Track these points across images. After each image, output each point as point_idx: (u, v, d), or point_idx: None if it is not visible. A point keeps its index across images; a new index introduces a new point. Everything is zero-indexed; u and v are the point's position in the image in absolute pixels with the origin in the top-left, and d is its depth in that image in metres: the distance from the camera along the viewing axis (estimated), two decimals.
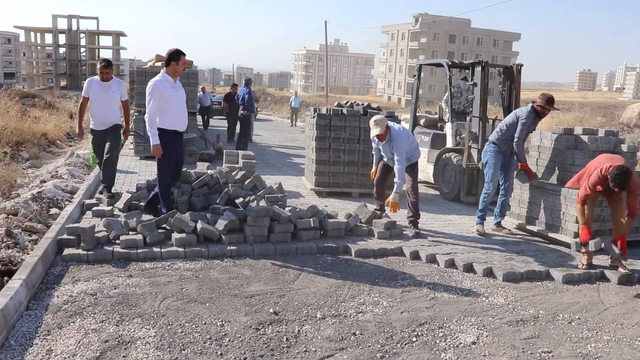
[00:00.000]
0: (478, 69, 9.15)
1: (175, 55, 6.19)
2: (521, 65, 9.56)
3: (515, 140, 6.92)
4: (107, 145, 7.58)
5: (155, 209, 6.53)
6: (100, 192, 7.74)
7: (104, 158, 7.56)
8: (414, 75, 11.36)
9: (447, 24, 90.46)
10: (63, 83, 79.82)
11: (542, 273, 5.58)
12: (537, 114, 6.95)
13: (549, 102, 6.92)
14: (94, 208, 6.87)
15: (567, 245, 6.55)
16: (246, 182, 7.33)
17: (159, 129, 6.19)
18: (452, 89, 10.18)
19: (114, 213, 6.82)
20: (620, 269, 5.68)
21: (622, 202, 5.70)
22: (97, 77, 7.74)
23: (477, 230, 7.11)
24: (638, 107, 18.54)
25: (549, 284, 5.41)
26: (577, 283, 5.46)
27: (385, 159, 7.15)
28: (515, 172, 7.19)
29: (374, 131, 6.71)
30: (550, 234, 6.77)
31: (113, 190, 7.69)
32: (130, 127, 8.16)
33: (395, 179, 6.70)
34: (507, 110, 9.49)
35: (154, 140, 6.16)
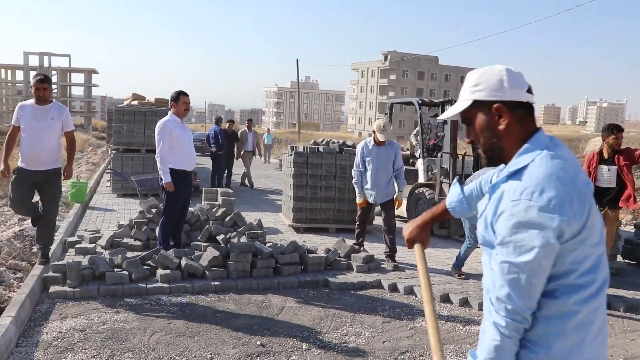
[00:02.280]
0: (448, 107, 9.57)
1: (175, 97, 6.51)
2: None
3: None
4: (44, 202, 6.02)
5: (171, 245, 6.64)
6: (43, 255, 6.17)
7: (39, 217, 6.03)
8: (386, 114, 11.79)
9: (415, 62, 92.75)
10: None
11: None
12: None
13: None
14: (77, 246, 6.94)
15: None
16: (227, 219, 7.51)
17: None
18: (422, 126, 10.57)
19: (97, 251, 6.90)
20: None
21: (614, 224, 6.10)
22: (31, 101, 5.96)
23: (458, 276, 6.75)
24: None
25: None
26: None
27: (370, 171, 7.18)
28: None
29: (384, 136, 7.04)
30: None
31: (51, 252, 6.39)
32: (72, 166, 6.34)
33: (399, 180, 7.27)
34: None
35: (166, 178, 6.35)
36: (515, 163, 1.66)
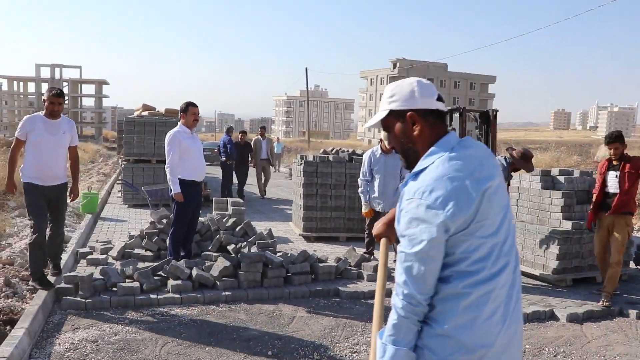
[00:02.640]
0: (456, 115, 9.56)
1: (184, 108, 6.56)
2: (496, 111, 9.98)
3: None
4: (55, 217, 5.99)
5: (182, 255, 6.67)
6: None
7: (50, 235, 5.94)
8: None
9: (424, 69, 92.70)
10: None
11: (542, 311, 5.80)
12: (512, 168, 6.86)
13: (528, 160, 6.74)
14: (88, 257, 6.99)
15: (549, 282, 6.80)
16: (237, 229, 7.53)
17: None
18: None
19: (108, 261, 6.95)
20: (602, 302, 5.97)
21: (623, 230, 6.06)
22: (40, 114, 5.86)
23: None
24: None
25: (533, 320, 5.62)
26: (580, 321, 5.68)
27: (377, 180, 7.21)
28: None
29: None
30: (533, 272, 7.02)
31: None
32: (78, 184, 6.36)
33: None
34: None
35: (176, 188, 6.40)
36: (418, 165, 1.88)
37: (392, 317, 1.82)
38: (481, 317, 1.78)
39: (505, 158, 6.89)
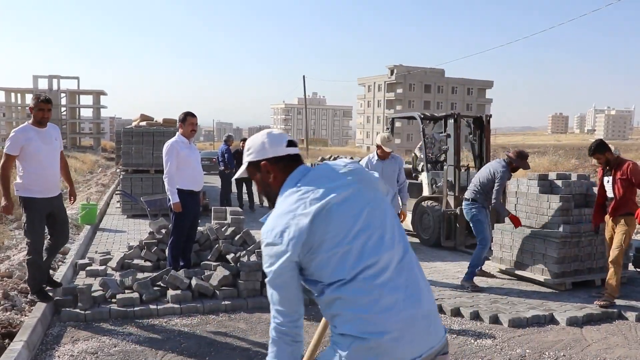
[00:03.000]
0: (451, 121, 9.63)
1: (182, 118, 6.59)
2: (490, 116, 10.15)
3: (494, 201, 6.96)
4: (60, 228, 5.93)
5: (181, 265, 6.68)
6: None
7: (55, 246, 5.94)
8: (387, 128, 11.83)
9: (421, 75, 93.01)
10: None
11: (542, 315, 5.80)
12: (511, 168, 7.05)
13: (524, 159, 7.04)
14: (87, 268, 6.99)
15: (549, 286, 6.81)
16: (236, 238, 7.52)
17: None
18: (426, 140, 10.59)
19: (108, 272, 6.94)
20: (597, 302, 6.07)
21: (620, 232, 6.09)
22: (28, 124, 5.62)
23: (471, 287, 6.79)
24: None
25: (533, 324, 5.62)
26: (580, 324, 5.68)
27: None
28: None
29: (390, 147, 7.08)
30: (532, 276, 7.02)
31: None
32: (73, 186, 6.30)
33: (403, 193, 7.39)
34: (477, 158, 10.01)
35: (174, 198, 6.41)
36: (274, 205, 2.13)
37: (270, 338, 2.07)
38: (362, 311, 1.96)
39: (504, 160, 7.09)
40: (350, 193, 2.07)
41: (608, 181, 6.25)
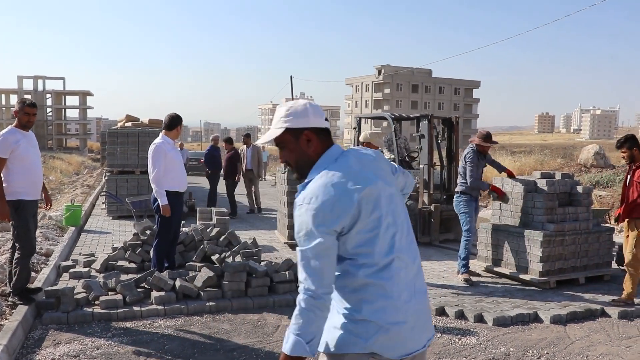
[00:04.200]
0: (424, 122, 9.82)
1: (173, 124, 6.53)
2: (459, 117, 10.60)
3: (470, 182, 7.21)
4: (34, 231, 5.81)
5: (166, 266, 6.65)
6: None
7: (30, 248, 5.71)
8: (354, 128, 11.85)
9: (409, 75, 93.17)
10: None
11: (526, 314, 5.82)
12: (480, 152, 7.38)
13: (486, 139, 7.36)
14: (71, 270, 6.92)
15: (533, 285, 6.84)
16: (221, 239, 7.49)
17: None
18: (399, 140, 10.71)
19: (91, 274, 6.88)
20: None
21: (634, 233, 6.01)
22: (12, 129, 5.57)
23: (463, 280, 7.08)
24: (593, 148, 19.32)
25: (517, 322, 5.64)
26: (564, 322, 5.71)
27: None
28: (490, 194, 7.70)
29: (379, 143, 7.22)
30: (517, 275, 7.05)
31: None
32: (48, 194, 6.23)
33: None
34: (447, 157, 10.40)
35: (163, 200, 6.38)
36: (309, 176, 2.14)
37: (296, 310, 2.02)
38: (391, 299, 2.06)
39: (470, 145, 7.44)
40: (383, 184, 2.18)
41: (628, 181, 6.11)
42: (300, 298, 2.02)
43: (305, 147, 2.17)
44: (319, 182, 2.06)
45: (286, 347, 2.01)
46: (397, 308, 2.07)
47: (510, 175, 7.56)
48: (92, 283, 5.90)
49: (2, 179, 5.45)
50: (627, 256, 6.07)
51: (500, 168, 7.74)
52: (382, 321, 2.05)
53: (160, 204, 6.40)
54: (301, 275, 2.03)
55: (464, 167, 7.33)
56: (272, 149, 36.09)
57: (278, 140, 2.21)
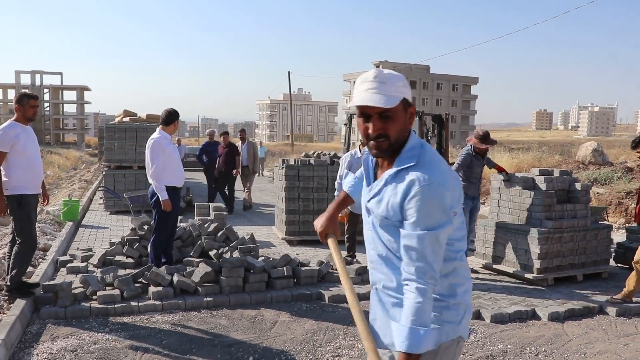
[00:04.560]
0: (415, 119, 9.90)
1: (170, 119, 6.53)
2: (449, 114, 10.67)
3: (455, 168, 7.33)
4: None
5: (163, 261, 6.63)
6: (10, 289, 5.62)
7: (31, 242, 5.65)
8: (345, 124, 11.83)
9: (407, 71, 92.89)
10: None
11: (524, 311, 5.83)
12: (477, 153, 7.40)
13: (483, 139, 7.38)
14: (68, 265, 6.91)
15: (531, 282, 6.85)
16: (219, 234, 7.48)
17: None
18: None
19: (89, 269, 6.87)
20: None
21: None
22: (13, 122, 5.53)
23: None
24: (591, 145, 19.30)
25: (515, 319, 5.64)
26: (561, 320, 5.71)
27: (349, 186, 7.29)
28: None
29: None
30: (515, 272, 7.06)
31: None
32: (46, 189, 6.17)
33: None
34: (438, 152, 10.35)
35: (163, 195, 6.36)
36: (409, 156, 1.99)
37: (415, 302, 1.88)
38: (470, 279, 2.15)
39: (466, 151, 7.44)
40: None
41: None
42: (421, 287, 1.88)
43: (407, 123, 2.03)
44: (440, 164, 1.99)
45: (421, 344, 1.86)
46: (470, 288, 2.15)
47: (500, 170, 7.58)
48: (90, 278, 5.89)
49: (2, 173, 5.44)
50: (638, 254, 6.04)
51: (490, 164, 7.77)
52: (469, 301, 2.10)
53: (160, 199, 6.38)
54: (421, 261, 1.89)
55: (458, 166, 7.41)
56: (271, 144, 36.08)
57: (386, 112, 1.97)
